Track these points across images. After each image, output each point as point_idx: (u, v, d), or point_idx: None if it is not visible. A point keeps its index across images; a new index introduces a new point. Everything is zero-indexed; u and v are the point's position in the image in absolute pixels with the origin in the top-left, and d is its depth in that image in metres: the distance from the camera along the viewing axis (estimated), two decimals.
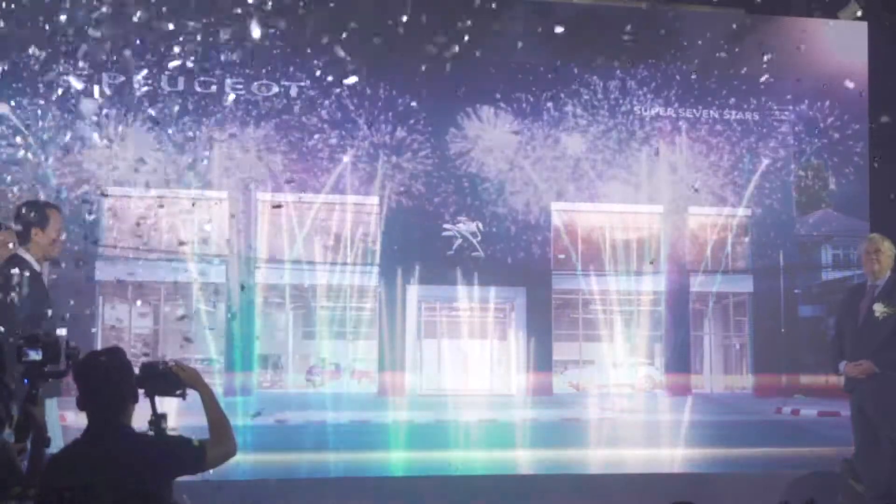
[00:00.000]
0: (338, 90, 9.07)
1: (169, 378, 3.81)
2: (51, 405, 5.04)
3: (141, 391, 3.77)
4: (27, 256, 5.24)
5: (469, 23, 8.26)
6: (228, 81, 8.99)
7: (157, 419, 3.75)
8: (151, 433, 3.73)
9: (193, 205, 8.70)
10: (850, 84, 9.72)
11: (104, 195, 8.35)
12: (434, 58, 8.52)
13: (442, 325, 9.54)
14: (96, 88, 8.64)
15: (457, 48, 8.56)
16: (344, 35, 8.16)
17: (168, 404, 3.86)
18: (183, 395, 3.84)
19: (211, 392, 3.85)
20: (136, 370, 3.81)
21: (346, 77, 8.85)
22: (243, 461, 8.24)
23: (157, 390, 3.79)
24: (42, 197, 7.50)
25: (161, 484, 3.50)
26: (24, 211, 5.39)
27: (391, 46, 8.61)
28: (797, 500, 6.95)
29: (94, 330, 8.11)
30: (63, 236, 5.35)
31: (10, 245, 5.38)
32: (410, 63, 9.06)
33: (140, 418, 3.81)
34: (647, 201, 9.73)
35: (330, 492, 8.23)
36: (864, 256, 7.16)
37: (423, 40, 8.39)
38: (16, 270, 5.11)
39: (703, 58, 9.52)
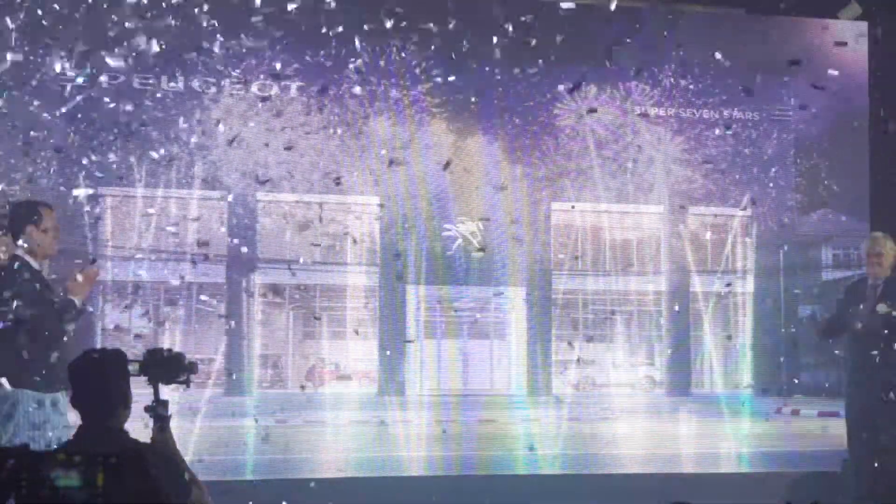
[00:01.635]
0: (341, 88, 9.09)
1: (173, 365, 3.76)
2: (57, 399, 5.05)
3: (144, 378, 3.72)
4: (26, 256, 5.25)
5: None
6: (227, 81, 9.00)
7: (157, 404, 3.69)
8: (153, 421, 3.67)
9: (195, 215, 8.71)
10: (849, 84, 9.70)
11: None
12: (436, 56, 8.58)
13: (442, 325, 9.54)
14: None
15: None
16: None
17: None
18: (187, 383, 3.79)
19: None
20: (140, 357, 3.76)
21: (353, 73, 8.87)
22: (243, 461, 8.25)
23: (161, 377, 3.74)
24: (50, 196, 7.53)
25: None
26: (16, 210, 5.41)
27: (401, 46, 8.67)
28: (799, 499, 6.95)
29: (94, 330, 8.12)
30: (58, 233, 5.35)
31: (4, 248, 5.39)
32: (412, 62, 9.09)
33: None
34: (647, 201, 9.72)
35: (330, 492, 8.24)
36: (867, 258, 7.21)
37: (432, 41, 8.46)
38: (14, 270, 5.12)
39: (704, 58, 9.51)
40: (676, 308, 9.57)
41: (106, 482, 2.20)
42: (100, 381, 3.53)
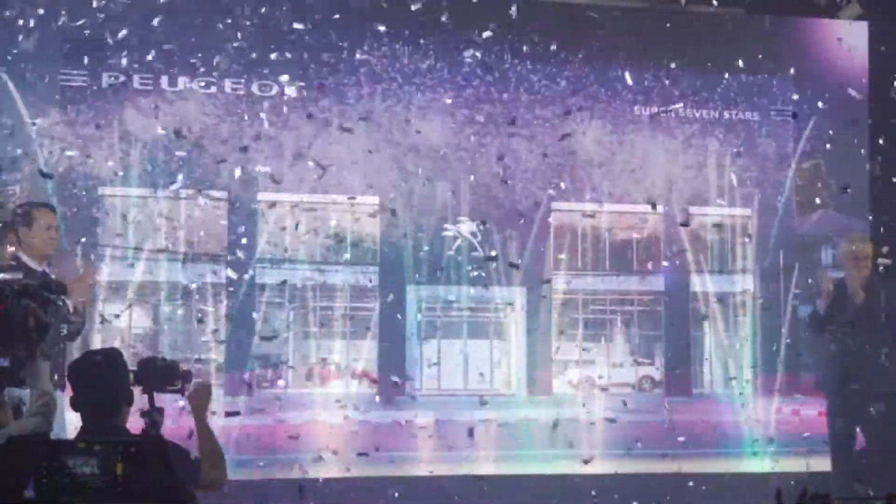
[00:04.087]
0: (341, 86, 9.11)
1: (167, 373, 3.79)
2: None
3: (139, 387, 3.74)
4: (24, 257, 5.27)
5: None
6: (228, 82, 9.00)
7: (151, 411, 3.72)
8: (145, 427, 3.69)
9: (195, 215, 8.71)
10: (849, 84, 9.72)
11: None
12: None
13: (442, 325, 9.54)
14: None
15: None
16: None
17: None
18: (182, 392, 3.83)
19: (206, 422, 3.79)
20: (134, 367, 3.79)
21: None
22: (243, 461, 8.25)
23: (156, 386, 3.77)
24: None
25: None
26: (12, 213, 5.45)
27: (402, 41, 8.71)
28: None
29: (93, 329, 8.11)
30: (54, 234, 5.37)
31: (11, 248, 5.41)
32: (413, 60, 9.12)
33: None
34: (648, 201, 9.72)
35: (329, 492, 8.25)
36: (852, 261, 7.36)
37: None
38: (13, 271, 5.12)
39: (703, 57, 9.52)
40: (665, 305, 9.59)
41: (125, 471, 2.21)
42: (105, 381, 3.55)
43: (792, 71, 9.84)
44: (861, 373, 7.37)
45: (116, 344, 8.32)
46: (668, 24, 9.48)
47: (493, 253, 9.24)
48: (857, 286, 7.44)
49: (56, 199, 7.96)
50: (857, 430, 7.66)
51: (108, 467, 2.17)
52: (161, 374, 3.73)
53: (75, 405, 3.54)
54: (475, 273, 9.32)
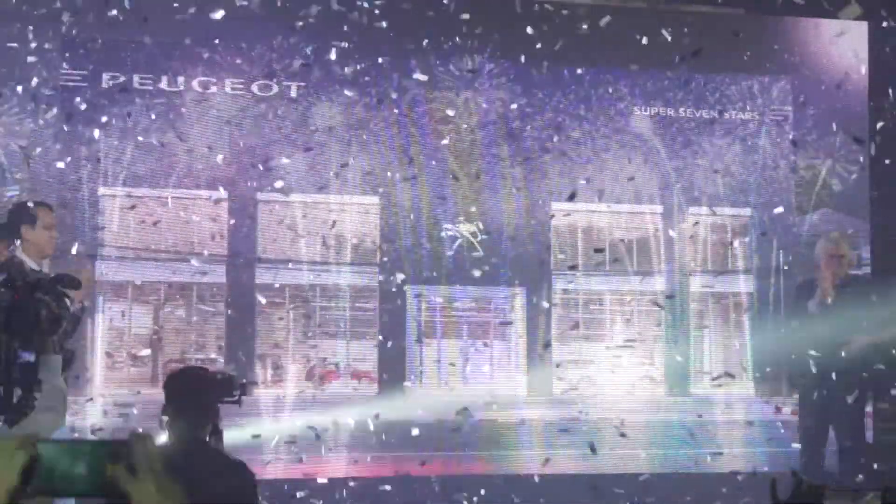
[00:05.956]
0: (340, 86, 9.12)
1: (225, 386, 3.94)
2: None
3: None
4: (23, 257, 5.26)
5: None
6: (228, 82, 9.02)
7: (215, 429, 3.87)
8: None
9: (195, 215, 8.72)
10: (850, 84, 9.72)
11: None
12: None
13: (442, 325, 9.55)
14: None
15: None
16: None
17: None
18: (239, 402, 3.96)
19: None
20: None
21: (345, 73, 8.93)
22: (247, 461, 8.23)
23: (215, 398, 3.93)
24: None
25: None
26: (12, 212, 5.42)
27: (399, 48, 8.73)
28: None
29: (94, 330, 8.13)
30: (54, 233, 5.37)
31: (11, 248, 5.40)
32: (412, 60, 9.14)
33: None
34: (647, 201, 9.73)
35: (329, 493, 8.25)
36: (827, 259, 7.40)
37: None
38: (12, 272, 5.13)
39: (703, 58, 9.52)
40: (664, 300, 9.59)
41: (115, 472, 2.24)
42: (197, 394, 3.69)
43: (791, 71, 9.85)
44: (829, 372, 7.39)
45: (116, 343, 8.35)
46: (667, 25, 9.48)
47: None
48: (829, 285, 7.47)
49: (55, 198, 7.97)
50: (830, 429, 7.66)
51: (98, 468, 2.18)
52: (220, 387, 3.89)
53: (167, 416, 3.65)
54: (475, 273, 9.33)
